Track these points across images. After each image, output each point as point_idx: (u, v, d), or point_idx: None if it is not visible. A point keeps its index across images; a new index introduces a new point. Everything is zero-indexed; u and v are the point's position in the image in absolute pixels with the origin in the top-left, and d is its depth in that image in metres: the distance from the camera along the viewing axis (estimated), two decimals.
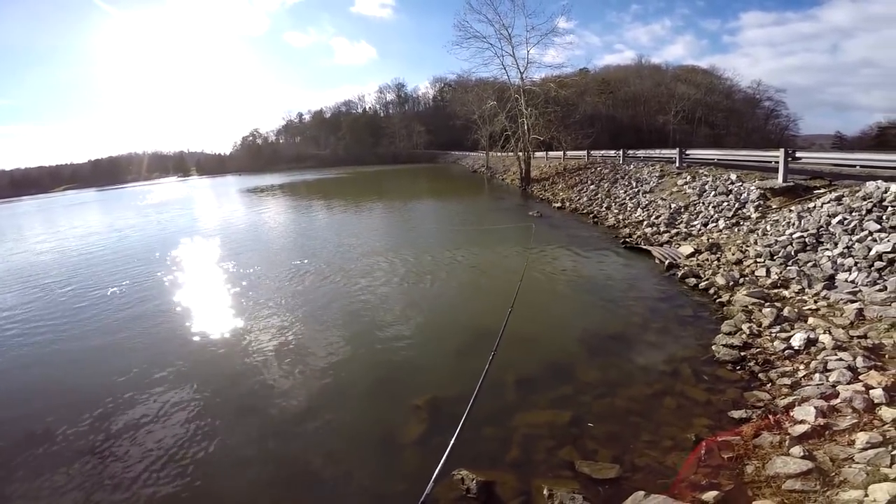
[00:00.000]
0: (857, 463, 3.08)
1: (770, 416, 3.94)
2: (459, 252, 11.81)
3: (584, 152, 26.24)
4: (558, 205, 19.40)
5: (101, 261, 14.01)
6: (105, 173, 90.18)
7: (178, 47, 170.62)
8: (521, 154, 27.72)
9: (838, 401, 3.90)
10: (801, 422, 3.73)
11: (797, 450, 3.33)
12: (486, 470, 3.72)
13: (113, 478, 4.08)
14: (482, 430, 4.37)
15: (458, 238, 14.10)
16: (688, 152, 17.34)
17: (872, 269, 6.22)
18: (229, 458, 4.28)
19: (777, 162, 10.97)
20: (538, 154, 30.08)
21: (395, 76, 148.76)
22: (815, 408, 3.81)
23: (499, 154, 35.18)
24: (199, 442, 4.51)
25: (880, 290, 5.78)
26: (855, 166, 10.36)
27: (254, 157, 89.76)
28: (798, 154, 11.32)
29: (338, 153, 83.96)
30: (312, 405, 5.05)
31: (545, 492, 3.43)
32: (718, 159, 15.69)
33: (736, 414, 4.18)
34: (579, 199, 19.11)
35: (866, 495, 2.72)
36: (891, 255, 6.17)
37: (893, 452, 3.03)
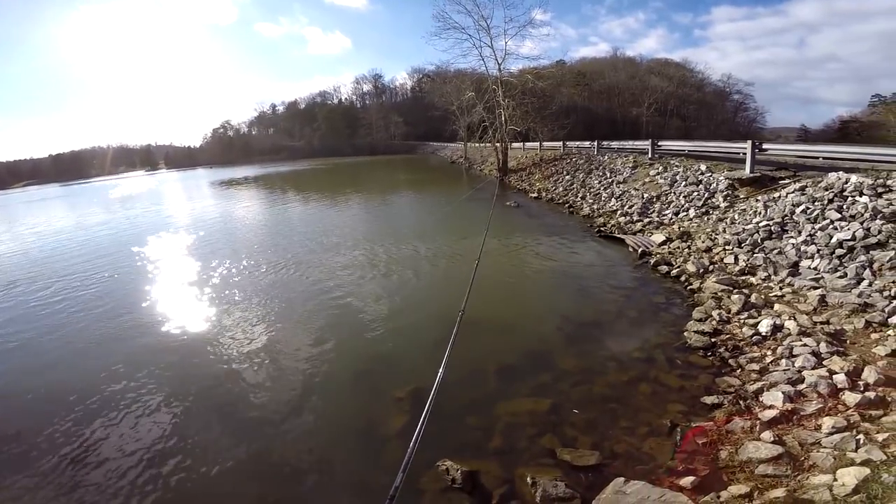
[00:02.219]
0: (825, 447, 3.23)
1: (741, 402, 4.10)
2: (437, 243, 11.80)
3: (560, 143, 26.50)
4: (535, 195, 19.64)
5: (67, 261, 13.34)
6: (67, 168, 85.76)
7: (143, 38, 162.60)
8: (498, 145, 27.84)
9: (804, 386, 4.09)
10: (770, 407, 3.90)
11: (767, 434, 3.48)
12: (470, 460, 3.77)
13: (91, 479, 3.97)
14: (465, 419, 4.40)
15: (437, 229, 14.07)
16: (660, 144, 17.73)
17: (833, 256, 6.52)
18: (210, 454, 4.20)
19: (745, 153, 11.32)
20: (515, 145, 30.23)
21: (372, 67, 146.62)
22: (783, 393, 3.99)
23: (477, 145, 35.17)
24: (178, 440, 4.42)
25: (841, 277, 6.07)
26: (818, 158, 10.80)
27: (225, 150, 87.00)
28: (765, 146, 11.72)
29: (313, 144, 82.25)
30: (293, 400, 4.99)
31: (528, 480, 3.50)
32: (689, 150, 16.08)
33: (708, 400, 4.33)
34: (555, 190, 19.34)
35: (835, 479, 2.85)
36: (850, 243, 6.48)
37: (858, 437, 3.20)
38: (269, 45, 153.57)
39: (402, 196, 24.50)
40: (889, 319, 4.96)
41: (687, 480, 3.19)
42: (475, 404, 4.64)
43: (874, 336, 4.82)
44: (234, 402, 5.07)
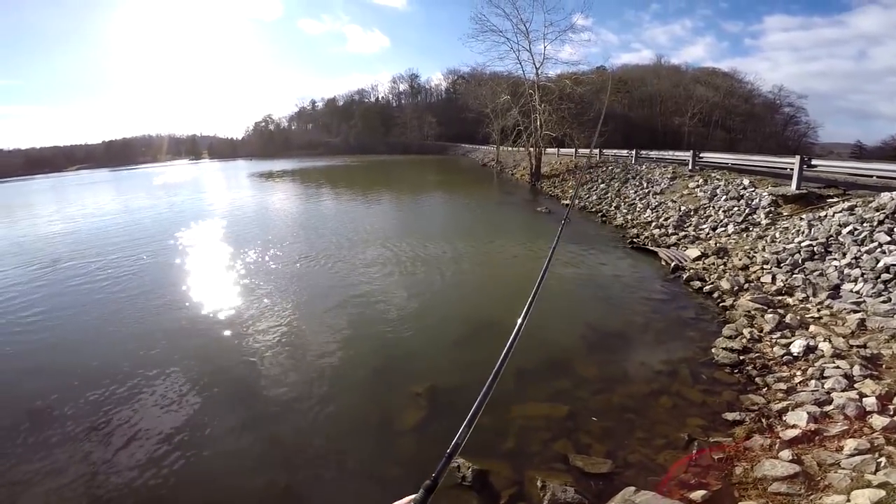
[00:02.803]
0: (843, 468, 3.12)
1: (763, 420, 3.99)
2: (464, 245, 11.89)
3: (597, 150, 26.05)
4: (567, 202, 19.40)
5: (109, 242, 14.18)
6: (118, 154, 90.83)
7: (190, 31, 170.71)
8: (532, 150, 27.60)
9: (831, 407, 3.94)
10: (793, 426, 3.78)
11: (786, 453, 3.39)
12: (481, 459, 3.80)
13: (112, 459, 4.13)
14: (480, 419, 4.44)
15: (465, 231, 14.18)
16: (701, 155, 17.17)
17: (878, 280, 6.19)
18: (228, 441, 4.36)
19: (792, 169, 10.84)
20: (549, 150, 29.91)
21: (409, 66, 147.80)
22: (808, 413, 3.85)
23: (509, 149, 34.99)
24: (199, 425, 4.57)
25: (884, 302, 5.76)
26: (872, 176, 10.23)
27: (265, 143, 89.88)
28: (814, 162, 11.17)
29: (349, 141, 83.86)
30: (311, 390, 5.15)
31: (538, 483, 3.51)
32: (732, 164, 15.52)
33: (730, 416, 4.23)
34: (588, 198, 19.06)
35: (848, 500, 2.76)
36: None
37: (879, 459, 3.08)
38: (311, 41, 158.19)
39: (432, 197, 24.70)
40: None
41: (698, 494, 3.14)
42: (491, 405, 4.63)
43: None
44: (253, 388, 5.24)
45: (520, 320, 1.32)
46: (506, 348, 1.17)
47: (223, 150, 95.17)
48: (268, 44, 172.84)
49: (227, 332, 6.76)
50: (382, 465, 3.96)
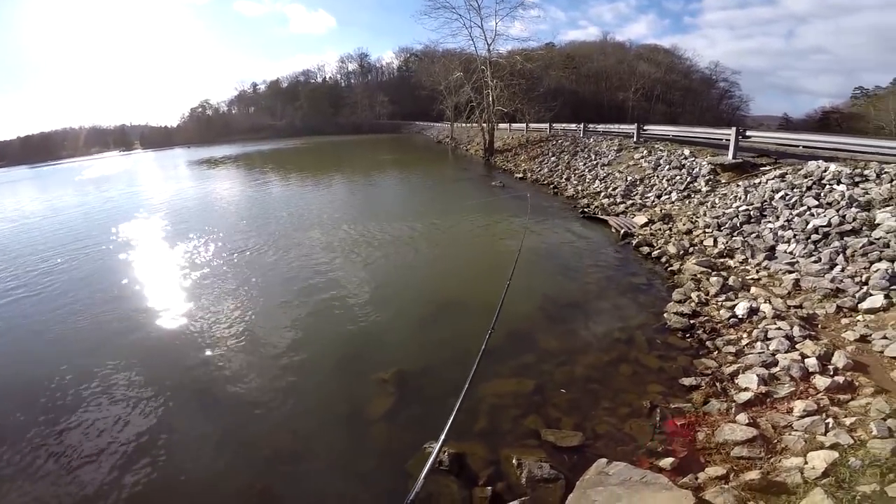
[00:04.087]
0: (796, 431, 3.35)
1: (717, 384, 4.22)
2: (421, 224, 11.75)
3: (547, 125, 26.42)
4: (520, 175, 19.71)
5: (37, 246, 12.83)
6: (37, 150, 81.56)
7: (113, 16, 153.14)
8: (485, 125, 27.69)
9: (777, 369, 4.23)
10: (745, 389, 4.03)
11: (742, 417, 3.60)
12: (456, 442, 3.80)
13: (70, 471, 3.86)
14: (449, 401, 4.41)
15: (421, 209, 14.00)
16: (645, 128, 17.81)
17: (809, 241, 6.70)
18: (193, 444, 4.14)
19: (728, 140, 11.47)
20: (502, 126, 30.03)
21: (357, 46, 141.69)
22: (758, 376, 4.12)
23: (463, 125, 34.83)
24: (158, 429, 4.33)
25: (815, 262, 6.25)
26: (799, 146, 11.01)
27: (204, 129, 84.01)
28: (748, 133, 11.89)
29: (295, 123, 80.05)
30: (275, 384, 4.95)
31: (514, 461, 3.56)
32: (674, 136, 16.22)
33: (686, 381, 4.45)
34: (540, 171, 19.38)
35: (806, 462, 2.96)
36: (826, 230, 6.66)
37: (827, 420, 3.32)
38: (250, 23, 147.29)
39: (387, 176, 24.17)
40: (859, 305, 5.14)
41: (666, 462, 3.29)
42: (459, 386, 4.65)
43: (844, 321, 5.00)
44: (216, 387, 4.99)
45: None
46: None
47: (157, 139, 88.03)
48: (202, 28, 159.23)
49: (180, 333, 6.34)
50: (356, 456, 3.88)
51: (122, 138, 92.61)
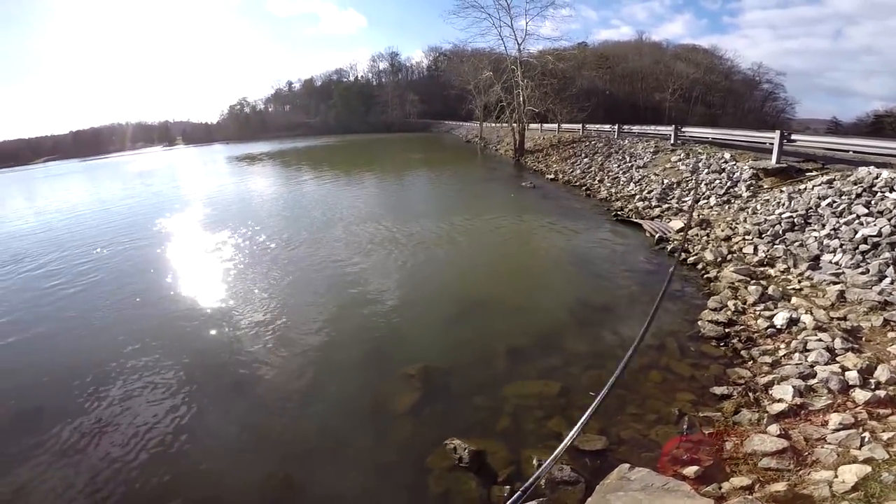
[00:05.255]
0: (829, 444, 3.22)
1: (750, 394, 4.09)
2: (450, 222, 11.82)
3: (579, 126, 25.97)
4: (551, 176, 19.48)
5: (85, 234, 13.71)
6: (87, 144, 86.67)
7: (155, 16, 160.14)
8: (515, 125, 27.45)
9: (815, 381, 4.05)
10: (779, 400, 3.88)
11: (773, 428, 3.48)
12: (477, 439, 3.84)
13: (108, 456, 4.05)
14: (473, 399, 4.48)
15: (450, 207, 14.08)
16: (683, 130, 17.24)
17: (857, 251, 6.35)
18: (224, 434, 4.31)
19: (772, 143, 10.96)
20: (532, 126, 29.73)
21: (388, 45, 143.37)
22: (793, 387, 3.96)
23: (493, 125, 34.68)
24: (194, 419, 4.51)
25: (862, 273, 5.92)
26: (848, 151, 10.39)
27: (242, 126, 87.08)
28: (793, 136, 11.30)
29: (328, 122, 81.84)
30: (304, 376, 5.11)
31: (534, 461, 3.57)
32: (713, 138, 15.62)
33: (718, 390, 4.33)
34: (572, 172, 19.09)
35: (836, 476, 2.84)
36: (876, 239, 6.30)
37: (863, 434, 3.17)
38: (283, 23, 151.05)
39: (417, 175, 24.36)
40: None
41: (690, 469, 3.22)
42: (484, 385, 4.70)
43: (891, 335, 4.73)
44: (245, 378, 5.17)
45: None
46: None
47: (198, 135, 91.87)
48: (237, 27, 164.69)
49: (215, 322, 6.64)
50: (380, 450, 3.96)
51: (165, 134, 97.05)
